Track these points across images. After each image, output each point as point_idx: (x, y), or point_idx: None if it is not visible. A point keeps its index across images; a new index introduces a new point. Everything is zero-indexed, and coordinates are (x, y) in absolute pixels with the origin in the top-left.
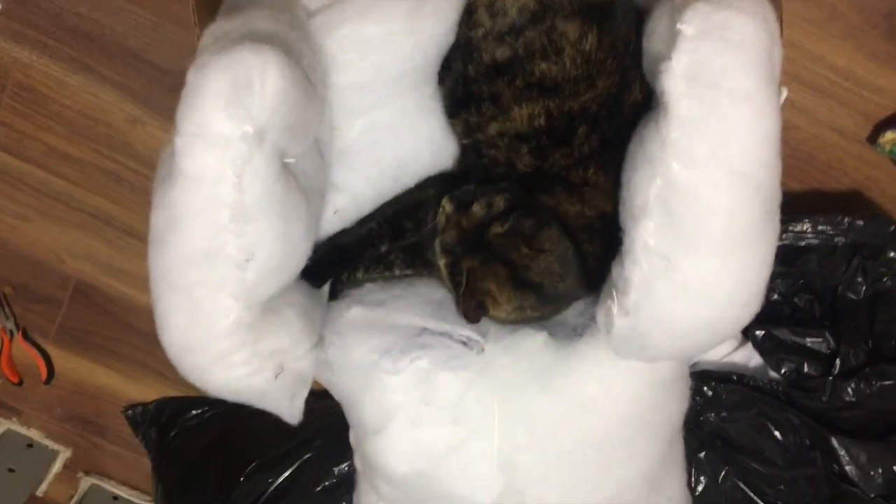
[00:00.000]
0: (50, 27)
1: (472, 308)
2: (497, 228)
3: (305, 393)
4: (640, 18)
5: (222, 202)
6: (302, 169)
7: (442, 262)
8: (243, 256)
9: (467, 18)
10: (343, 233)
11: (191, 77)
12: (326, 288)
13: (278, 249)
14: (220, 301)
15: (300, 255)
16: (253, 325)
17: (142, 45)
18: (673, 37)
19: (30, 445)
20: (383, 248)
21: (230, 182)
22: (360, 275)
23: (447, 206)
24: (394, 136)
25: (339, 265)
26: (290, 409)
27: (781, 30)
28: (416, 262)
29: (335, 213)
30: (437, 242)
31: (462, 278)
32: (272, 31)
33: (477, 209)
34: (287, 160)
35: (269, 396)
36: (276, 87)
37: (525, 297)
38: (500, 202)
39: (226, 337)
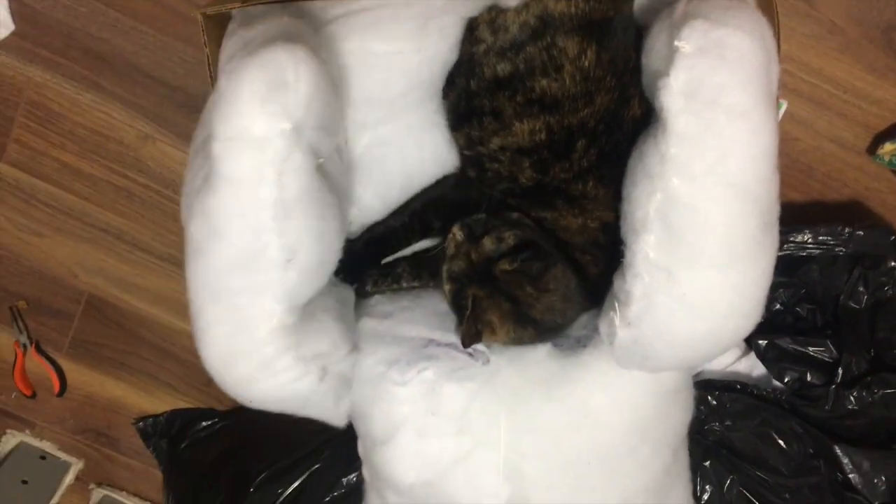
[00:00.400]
0: (62, 47)
1: (471, 335)
2: (505, 265)
3: (349, 396)
4: (639, 35)
5: (264, 202)
6: (330, 170)
7: (447, 288)
8: (285, 256)
9: (469, 35)
10: (376, 226)
11: (223, 82)
12: (353, 296)
13: (316, 248)
14: (263, 305)
15: (334, 255)
16: (295, 329)
17: (152, 64)
18: (671, 54)
19: (42, 457)
20: (413, 242)
21: (271, 180)
22: (369, 287)
23: (458, 233)
24: (399, 151)
25: (376, 258)
26: (336, 412)
27: (778, 46)
28: (422, 275)
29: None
30: (444, 269)
31: (468, 303)
32: (299, 32)
33: (487, 243)
34: (318, 160)
35: (313, 401)
36: (309, 83)
37: (524, 331)
38: (509, 238)
39: (269, 342)
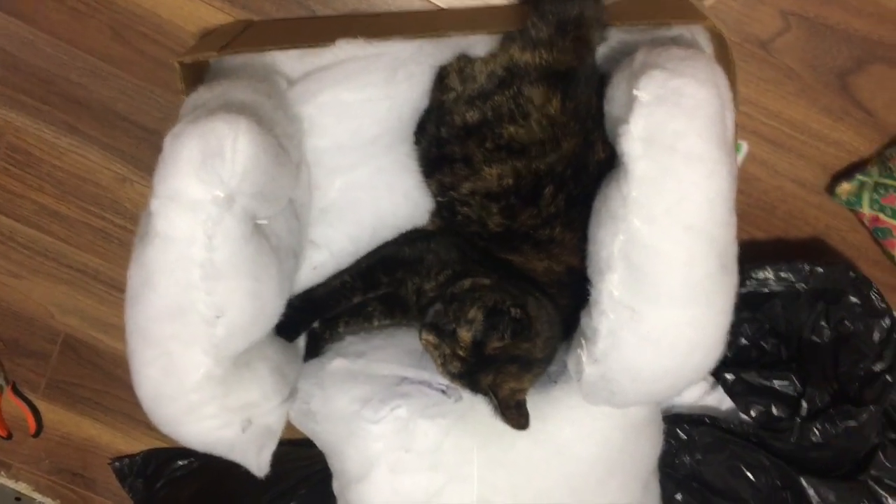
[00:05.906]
0: (42, 93)
1: (517, 417)
2: (495, 343)
3: (273, 446)
4: (602, 82)
5: (193, 261)
6: (274, 230)
7: (458, 383)
8: (213, 313)
9: (439, 83)
10: (317, 286)
11: (167, 144)
12: (301, 343)
13: (249, 307)
14: (191, 355)
15: (271, 313)
16: (223, 380)
17: (130, 108)
18: (630, 102)
19: (18, 499)
20: (355, 300)
21: (201, 242)
22: (340, 329)
23: (430, 338)
24: (372, 194)
25: (312, 317)
26: (258, 462)
27: (735, 93)
28: (394, 313)
29: (314, 269)
30: (443, 371)
31: (491, 398)
32: (247, 101)
33: (464, 334)
34: (259, 221)
35: (237, 449)
36: (246, 155)
37: (540, 369)
38: (478, 314)
39: (196, 390)
